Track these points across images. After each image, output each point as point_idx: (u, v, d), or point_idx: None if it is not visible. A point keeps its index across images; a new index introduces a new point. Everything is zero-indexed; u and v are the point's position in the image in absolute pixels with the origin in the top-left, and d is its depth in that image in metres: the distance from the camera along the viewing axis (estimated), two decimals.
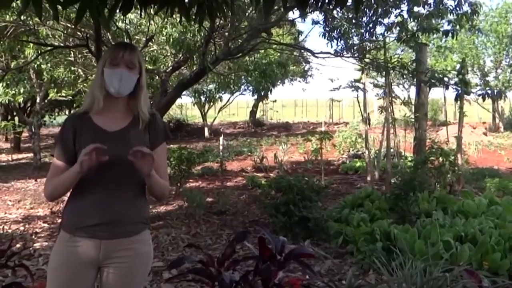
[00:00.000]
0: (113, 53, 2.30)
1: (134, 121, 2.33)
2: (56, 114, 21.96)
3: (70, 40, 9.14)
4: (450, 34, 7.90)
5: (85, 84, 11.69)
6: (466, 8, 7.93)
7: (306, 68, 24.13)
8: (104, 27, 6.02)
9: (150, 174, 2.20)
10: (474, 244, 4.96)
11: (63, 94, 13.56)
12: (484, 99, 9.04)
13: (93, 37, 6.47)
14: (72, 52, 10.55)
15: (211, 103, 23.86)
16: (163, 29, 8.61)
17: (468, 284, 3.56)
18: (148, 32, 8.95)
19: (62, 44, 9.04)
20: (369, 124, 10.95)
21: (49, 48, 8.61)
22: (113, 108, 2.32)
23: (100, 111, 2.28)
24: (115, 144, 2.19)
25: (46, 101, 14.29)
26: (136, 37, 10.37)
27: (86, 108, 2.30)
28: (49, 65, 11.04)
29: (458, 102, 8.66)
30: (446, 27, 8.24)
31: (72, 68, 11.18)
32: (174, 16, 5.64)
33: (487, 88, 18.92)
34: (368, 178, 9.74)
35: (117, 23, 8.49)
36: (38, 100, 13.95)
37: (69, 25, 8.21)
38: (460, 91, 8.47)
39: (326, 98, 21.86)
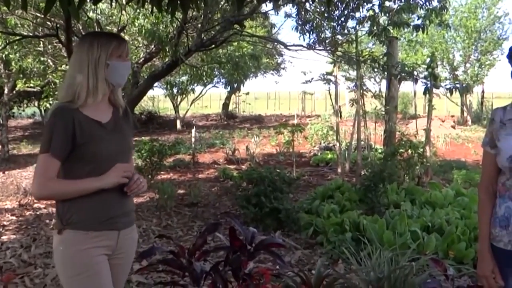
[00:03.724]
0: (120, 46, 2.25)
1: (115, 112, 2.33)
2: (25, 105, 21.52)
3: (40, 30, 8.98)
4: (420, 29, 8.03)
5: (54, 75, 11.50)
6: (435, 3, 8.06)
7: (279, 61, 24.14)
8: (74, 17, 5.93)
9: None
10: (441, 234, 5.09)
11: (32, 85, 13.31)
12: (451, 93, 9.23)
13: (63, 27, 6.38)
14: (41, 42, 10.36)
15: (184, 95, 23.68)
16: (135, 20, 8.52)
17: (434, 272, 3.66)
18: (120, 23, 8.83)
19: (31, 34, 8.87)
20: (341, 116, 11.07)
21: (17, 37, 8.45)
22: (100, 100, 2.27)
23: (86, 103, 2.18)
24: (115, 137, 2.24)
25: (14, 92, 14.00)
26: (108, 27, 10.23)
27: (71, 99, 2.16)
28: (17, 55, 10.83)
29: (428, 96, 8.81)
30: (417, 21, 8.36)
31: (42, 59, 10.98)
32: (146, 6, 5.59)
33: (456, 82, 19.28)
34: (339, 170, 9.85)
35: (87, 13, 8.36)
36: (6, 91, 13.64)
37: (38, 14, 8.06)
38: (428, 86, 8.62)
39: (298, 91, 21.98)
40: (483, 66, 22.23)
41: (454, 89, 8.93)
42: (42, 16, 7.74)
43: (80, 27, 8.31)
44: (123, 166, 2.23)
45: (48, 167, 2.11)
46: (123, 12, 8.61)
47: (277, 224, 6.06)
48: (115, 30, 9.47)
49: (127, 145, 2.37)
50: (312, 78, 10.24)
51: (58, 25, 7.22)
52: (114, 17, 9.91)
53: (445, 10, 8.34)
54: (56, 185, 2.14)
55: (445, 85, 9.47)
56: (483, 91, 24.83)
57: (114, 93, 2.32)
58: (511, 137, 2.18)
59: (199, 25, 8.49)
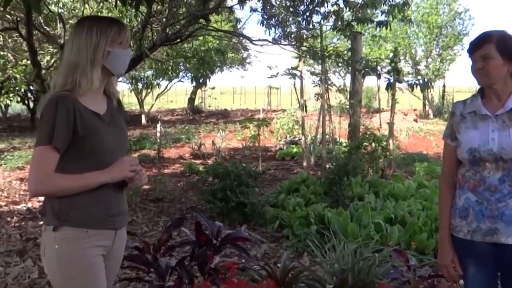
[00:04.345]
0: (121, 32, 2.11)
1: (110, 102, 2.20)
2: None
3: None
4: (383, 26, 8.14)
5: (14, 70, 11.20)
6: None
7: (244, 56, 24.14)
8: (35, 10, 5.79)
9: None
10: (403, 225, 5.19)
11: None
12: (412, 89, 9.41)
13: (24, 21, 6.22)
14: (1, 36, 10.07)
15: (149, 90, 23.41)
16: (99, 14, 8.37)
17: (396, 263, 3.73)
18: (83, 16, 8.66)
19: None
20: (306, 111, 11.11)
21: None
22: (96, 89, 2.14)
23: (85, 93, 2.04)
24: (113, 130, 2.12)
25: None
26: (70, 21, 10.00)
27: (70, 88, 2.00)
28: None
29: (391, 90, 8.95)
30: (380, 17, 8.48)
31: (1, 53, 10.67)
32: (109, 0, 5.50)
33: (418, 77, 19.62)
34: (304, 164, 9.92)
35: (49, 6, 8.17)
36: None
37: None
38: (390, 81, 8.75)
39: (264, 85, 22.00)
40: (444, 61, 22.71)
41: (415, 85, 9.11)
42: (2, 9, 7.52)
43: (41, 21, 8.13)
44: (129, 160, 2.12)
45: (48, 161, 1.94)
46: (86, 5, 8.45)
47: (243, 218, 6.07)
48: None
49: (125, 138, 2.28)
50: (278, 73, 10.26)
51: (18, 19, 7.04)
52: (76, 11, 9.72)
53: (407, 6, 8.47)
54: (57, 180, 1.97)
55: (408, 80, 9.62)
56: (444, 85, 25.34)
57: (110, 83, 2.20)
58: (471, 130, 2.24)
59: (164, 19, 8.39)
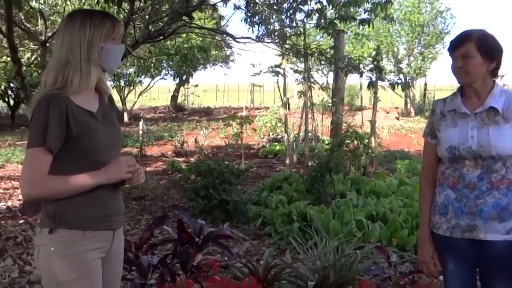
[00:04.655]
0: (115, 27, 2.04)
1: (101, 100, 2.11)
2: None
3: None
4: (366, 23, 8.18)
5: None
6: None
7: (227, 53, 24.08)
8: (16, 6, 5.72)
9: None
10: (385, 222, 5.24)
11: None
12: (394, 88, 9.50)
13: (4, 17, 6.13)
14: None
15: (131, 87, 23.24)
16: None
17: (377, 260, 3.76)
18: (64, 13, 8.57)
19: None
20: (289, 108, 11.17)
21: None
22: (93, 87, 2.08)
23: (77, 91, 1.96)
24: (107, 129, 2.04)
25: None
26: (51, 17, 9.90)
27: (61, 86, 1.92)
28: None
29: (373, 88, 9.02)
30: (363, 15, 8.50)
31: None
32: None
33: (400, 75, 19.79)
34: (287, 161, 9.94)
35: (30, 2, 8.06)
36: None
37: None
38: (372, 79, 8.82)
39: (247, 83, 21.95)
40: (426, 59, 22.94)
41: (396, 84, 9.20)
42: None
43: (22, 17, 8.01)
44: (126, 160, 2.03)
45: (41, 163, 1.86)
46: (68, 1, 8.35)
47: (226, 216, 6.07)
48: (59, 20, 9.18)
49: (119, 136, 2.20)
50: (261, 71, 10.28)
51: None
52: (58, 7, 9.60)
53: (390, 4, 8.53)
54: (52, 182, 1.89)
55: (390, 80, 9.70)
56: (425, 84, 25.59)
57: (101, 79, 2.09)
58: (451, 128, 2.26)
59: (147, 16, 8.34)
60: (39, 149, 1.86)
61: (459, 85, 2.32)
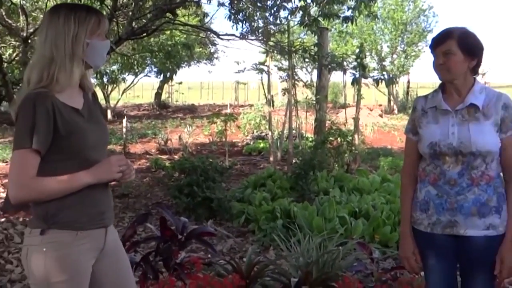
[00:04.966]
0: (100, 23, 1.96)
1: (86, 96, 2.05)
2: None
3: None
4: (349, 21, 8.21)
5: None
6: None
7: (212, 50, 23.99)
8: None
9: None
10: (367, 218, 5.28)
11: None
12: (378, 84, 9.55)
13: None
14: None
15: (114, 85, 23.06)
16: None
17: (360, 256, 3.79)
18: (46, 9, 8.45)
19: None
20: (273, 106, 11.16)
21: None
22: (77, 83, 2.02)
23: (63, 88, 1.90)
24: (93, 126, 1.98)
25: None
26: (33, 13, 9.77)
27: (46, 84, 1.85)
28: None
29: (356, 85, 9.07)
30: (347, 12, 8.54)
31: None
32: None
33: (384, 73, 19.90)
34: (271, 159, 9.96)
35: None
36: None
37: None
38: (356, 76, 8.86)
39: (232, 80, 21.94)
40: (408, 57, 23.08)
41: (380, 80, 9.24)
42: None
43: (3, 13, 7.90)
44: (116, 160, 1.97)
45: (29, 164, 1.80)
46: None
47: (210, 213, 6.07)
48: (41, 16, 9.07)
49: (106, 133, 2.13)
50: (245, 68, 10.29)
51: None
52: (40, 3, 9.48)
53: (373, 2, 8.57)
54: (40, 184, 1.83)
55: (373, 76, 9.77)
56: (408, 81, 25.76)
57: (85, 76, 2.03)
58: (432, 124, 2.28)
59: (130, 13, 8.27)
60: (26, 151, 1.80)
61: (441, 82, 2.34)
